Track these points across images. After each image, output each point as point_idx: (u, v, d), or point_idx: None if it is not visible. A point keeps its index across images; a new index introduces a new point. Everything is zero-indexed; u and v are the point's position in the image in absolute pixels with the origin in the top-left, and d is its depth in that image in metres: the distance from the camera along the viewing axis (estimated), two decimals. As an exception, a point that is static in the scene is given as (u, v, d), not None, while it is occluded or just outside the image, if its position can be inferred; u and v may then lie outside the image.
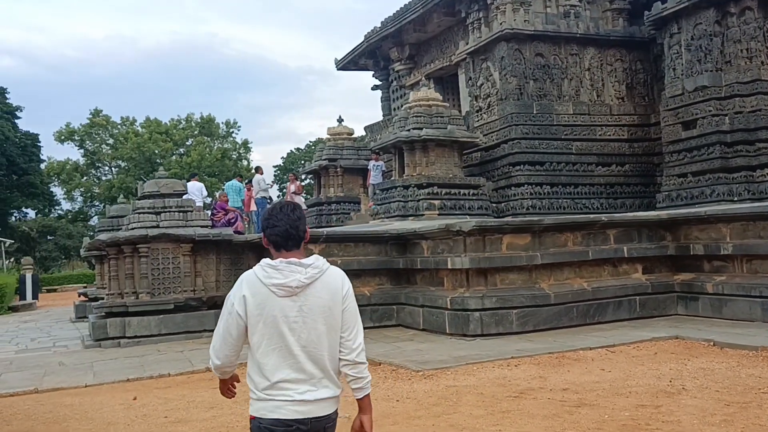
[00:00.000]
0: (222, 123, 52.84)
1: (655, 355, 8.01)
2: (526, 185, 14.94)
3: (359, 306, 2.50)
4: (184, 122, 51.63)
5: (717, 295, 10.36)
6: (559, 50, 15.86)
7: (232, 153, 52.33)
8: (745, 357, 7.53)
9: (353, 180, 19.43)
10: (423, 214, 14.23)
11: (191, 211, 12.68)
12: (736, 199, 13.00)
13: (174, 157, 48.62)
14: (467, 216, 14.34)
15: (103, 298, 16.67)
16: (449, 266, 10.32)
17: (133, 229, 12.01)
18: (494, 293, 10.03)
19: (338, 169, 19.53)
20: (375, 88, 23.43)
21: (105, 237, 11.73)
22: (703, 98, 13.71)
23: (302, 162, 52.30)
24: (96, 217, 48.17)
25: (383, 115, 22.98)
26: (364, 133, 22.72)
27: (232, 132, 53.60)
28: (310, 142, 57.02)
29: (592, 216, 11.78)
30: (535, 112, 15.42)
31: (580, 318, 10.36)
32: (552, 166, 15.28)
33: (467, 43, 16.83)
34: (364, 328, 2.62)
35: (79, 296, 19.27)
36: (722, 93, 13.57)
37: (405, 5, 19.24)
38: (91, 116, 48.31)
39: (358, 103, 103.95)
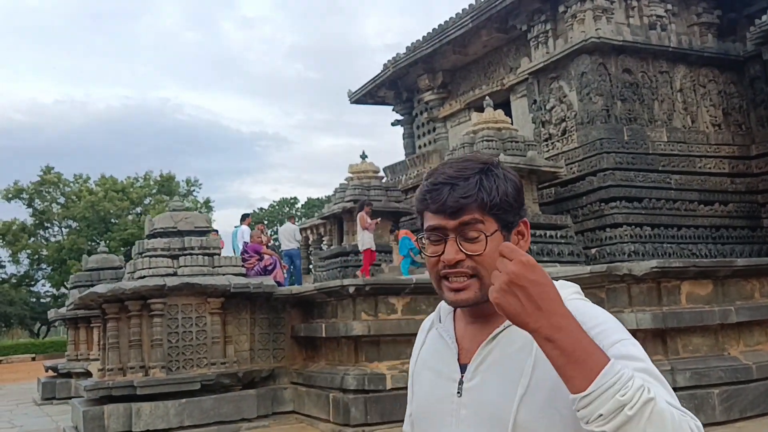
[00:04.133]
0: (182, 181, 49.61)
1: None
2: (624, 226, 12.10)
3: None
4: (141, 180, 48.21)
5: None
6: (647, 66, 13.33)
7: (193, 212, 48.86)
8: None
9: (382, 225, 16.32)
10: (506, 261, 11.20)
11: (218, 254, 9.45)
12: None
13: (131, 216, 44.99)
14: (557, 264, 11.38)
15: (80, 374, 13.06)
16: (610, 326, 7.27)
17: (142, 277, 8.70)
18: (683, 365, 7.01)
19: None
20: (396, 123, 20.63)
21: (103, 289, 8.38)
22: None
23: (264, 221, 49.58)
24: (42, 281, 44.09)
25: (406, 154, 20.13)
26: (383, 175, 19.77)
27: (194, 190, 50.38)
28: (274, 201, 54.50)
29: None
30: (626, 138, 12.74)
31: (790, 399, 7.38)
32: (651, 203, 12.52)
33: (530, 60, 14.21)
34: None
35: (46, 371, 15.50)
36: None
37: (443, 23, 16.66)
38: (42, 173, 44.42)
39: (312, 168, 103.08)
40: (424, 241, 1.35)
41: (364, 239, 13.69)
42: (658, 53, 13.39)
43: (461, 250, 1.28)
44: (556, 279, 1.31)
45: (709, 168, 13.39)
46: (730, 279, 7.74)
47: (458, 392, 1.33)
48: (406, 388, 6.47)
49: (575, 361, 1.07)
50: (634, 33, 13.30)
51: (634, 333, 7.09)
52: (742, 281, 7.85)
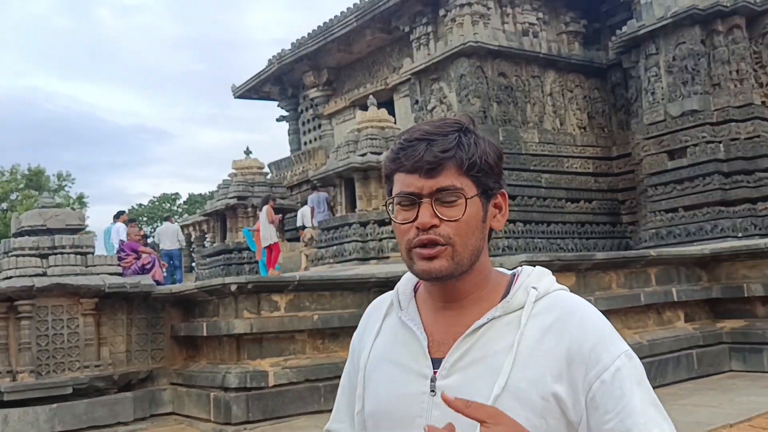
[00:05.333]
0: (53, 175, 46.97)
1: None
2: (499, 222, 12.72)
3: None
4: (7, 174, 45.24)
5: (788, 344, 8.54)
6: (520, 71, 14.06)
7: (65, 208, 46.24)
8: None
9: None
10: (388, 256, 11.54)
11: (92, 253, 9.13)
12: (740, 234, 11.56)
13: None
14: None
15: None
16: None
17: (9, 278, 8.27)
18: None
19: (249, 209, 16.32)
20: (281, 119, 20.56)
21: (-36, 291, 7.89)
22: (694, 123, 12.34)
23: (143, 218, 48.02)
24: None
25: (291, 150, 20.12)
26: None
27: (65, 185, 47.73)
28: (154, 197, 53.21)
29: (637, 251, 9.73)
30: (501, 138, 13.38)
31: (642, 381, 8.09)
32: (524, 201, 13.24)
33: (412, 61, 14.61)
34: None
35: None
36: (714, 118, 12.27)
37: (328, 21, 16.79)
38: None
39: (195, 163, 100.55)
40: (393, 207, 1.20)
41: (270, 233, 13.54)
42: (531, 58, 14.15)
43: (436, 215, 1.14)
44: (533, 265, 1.28)
45: (576, 168, 14.31)
46: (590, 271, 8.37)
47: (432, 390, 1.16)
48: (288, 384, 6.48)
49: None
50: (509, 38, 13.99)
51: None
52: (601, 273, 8.52)
